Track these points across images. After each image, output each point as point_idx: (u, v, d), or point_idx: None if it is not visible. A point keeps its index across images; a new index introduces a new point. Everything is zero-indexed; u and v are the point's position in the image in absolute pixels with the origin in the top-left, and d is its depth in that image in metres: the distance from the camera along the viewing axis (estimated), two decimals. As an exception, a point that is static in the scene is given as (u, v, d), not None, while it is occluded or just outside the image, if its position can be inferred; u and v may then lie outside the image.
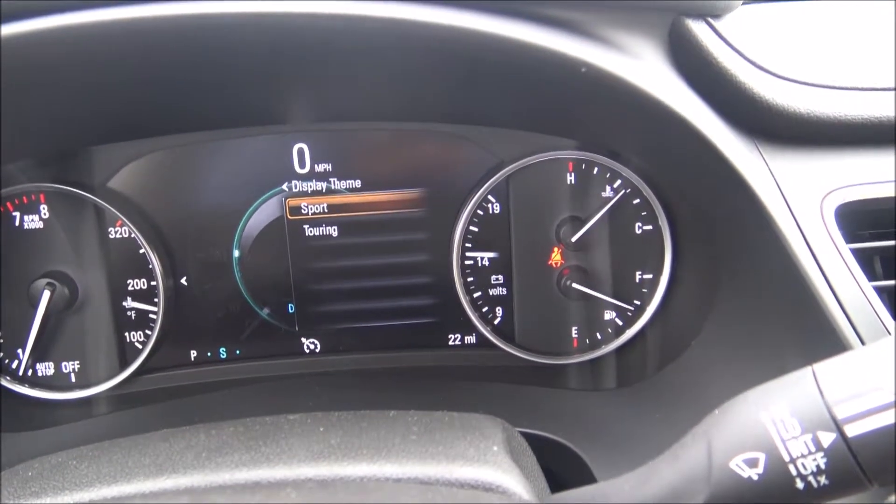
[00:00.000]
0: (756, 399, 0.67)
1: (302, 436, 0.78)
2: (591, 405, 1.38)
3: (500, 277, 1.45)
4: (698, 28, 0.99)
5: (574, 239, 1.39)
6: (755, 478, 0.63)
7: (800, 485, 0.62)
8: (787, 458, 0.63)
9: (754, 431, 0.65)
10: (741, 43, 1.02)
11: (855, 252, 0.98)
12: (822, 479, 0.62)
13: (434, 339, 1.51)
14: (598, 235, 1.41)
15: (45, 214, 1.37)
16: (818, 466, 0.62)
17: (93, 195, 1.36)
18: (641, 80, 0.93)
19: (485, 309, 1.47)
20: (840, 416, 0.62)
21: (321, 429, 0.80)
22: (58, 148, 1.34)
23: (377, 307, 1.48)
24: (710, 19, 1.00)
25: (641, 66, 0.96)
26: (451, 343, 1.51)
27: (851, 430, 0.61)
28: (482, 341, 1.49)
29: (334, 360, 1.51)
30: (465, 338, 1.51)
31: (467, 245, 1.44)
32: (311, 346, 1.51)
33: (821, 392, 0.64)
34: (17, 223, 1.37)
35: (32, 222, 1.37)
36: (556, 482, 1.00)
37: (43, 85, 1.01)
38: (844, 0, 1.25)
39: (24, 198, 1.36)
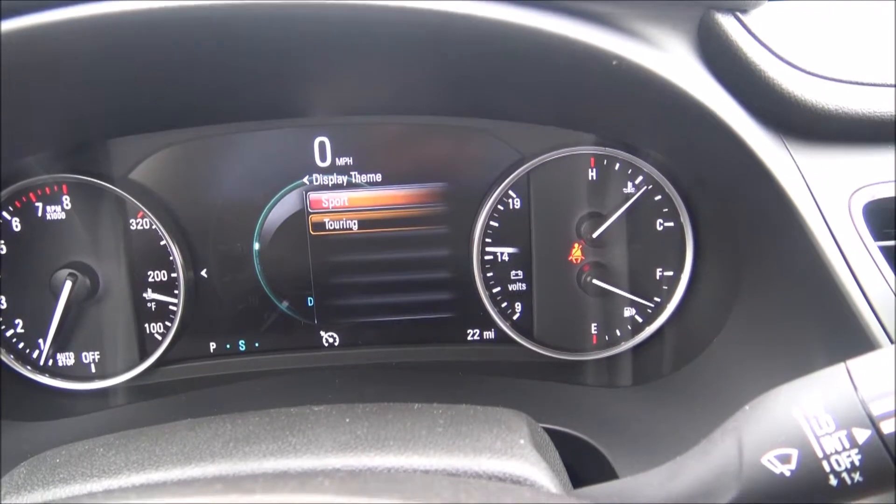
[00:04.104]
0: (788, 394, 0.67)
1: (328, 426, 0.79)
2: (610, 401, 1.38)
3: (520, 273, 1.45)
4: (727, 22, 0.98)
5: (595, 235, 1.39)
6: (787, 474, 0.63)
7: (833, 481, 0.62)
8: (820, 455, 0.62)
9: (787, 427, 0.64)
10: (769, 38, 1.01)
11: (883, 249, 0.98)
12: (857, 476, 0.61)
13: (453, 334, 1.51)
14: (618, 232, 1.40)
15: (67, 205, 1.38)
16: (852, 463, 0.61)
17: (114, 186, 1.36)
18: (671, 74, 0.93)
19: (504, 304, 1.47)
20: (876, 412, 0.61)
21: (347, 420, 0.80)
22: (80, 140, 1.35)
23: (396, 301, 1.48)
24: (738, 14, 0.99)
25: (671, 59, 0.95)
26: (469, 338, 1.51)
27: (887, 427, 0.60)
28: (501, 336, 1.49)
29: (353, 353, 1.51)
30: (484, 333, 1.51)
31: (487, 240, 1.43)
32: (330, 340, 1.51)
33: (855, 388, 0.63)
34: (39, 213, 1.37)
35: (55, 213, 1.38)
36: (574, 477, 0.99)
37: (65, 77, 1.02)
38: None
39: (47, 188, 1.37)
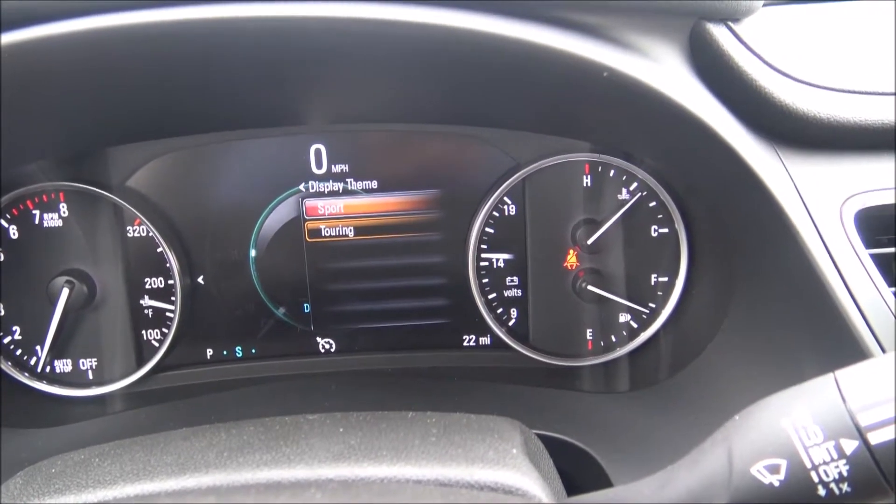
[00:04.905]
0: (777, 405, 0.67)
1: (322, 436, 0.79)
2: (605, 407, 1.38)
3: (516, 279, 1.46)
4: (718, 32, 0.98)
5: (590, 241, 1.39)
6: (776, 484, 0.63)
7: (822, 492, 0.62)
8: (809, 465, 0.62)
9: (776, 437, 0.64)
10: (761, 46, 1.02)
11: (874, 257, 0.98)
12: (845, 487, 0.62)
13: (449, 340, 1.51)
14: (613, 238, 1.41)
15: (64, 213, 1.38)
16: (840, 474, 0.62)
17: (111, 194, 1.37)
18: (662, 85, 0.93)
19: (499, 310, 1.48)
20: (863, 423, 0.62)
21: (340, 429, 0.81)
22: (77, 148, 1.36)
23: (392, 308, 1.49)
24: (730, 23, 1.00)
25: (662, 70, 0.96)
26: (465, 344, 1.51)
27: (875, 438, 0.61)
28: (497, 342, 1.50)
29: (349, 359, 1.51)
30: (480, 339, 1.51)
31: (483, 246, 1.44)
32: (327, 346, 1.51)
33: (843, 399, 0.64)
34: (36, 221, 1.38)
35: (52, 220, 1.38)
36: (570, 484, 1.00)
37: (62, 88, 1.02)
38: (865, 2, 1.24)
39: (44, 196, 1.37)
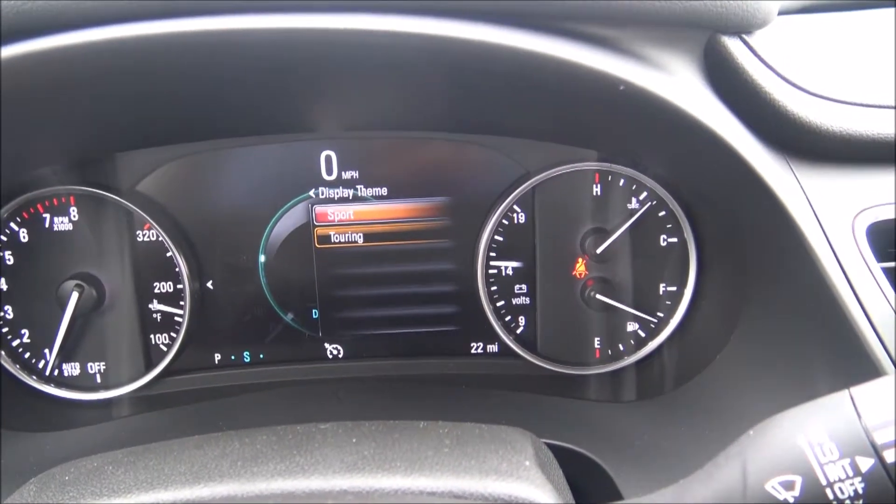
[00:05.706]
0: (792, 421, 0.67)
1: (335, 446, 0.79)
2: (612, 417, 1.38)
3: (524, 287, 1.46)
4: (733, 45, 0.99)
5: (599, 250, 1.39)
6: (791, 500, 0.63)
7: (836, 509, 0.62)
8: (824, 482, 0.62)
9: (791, 454, 0.64)
10: (774, 58, 1.02)
11: (886, 271, 0.98)
12: (860, 504, 0.62)
13: (457, 347, 1.51)
14: (622, 247, 1.41)
15: (74, 216, 1.38)
16: (856, 491, 0.62)
17: (122, 198, 1.37)
18: (677, 98, 0.93)
19: (508, 318, 1.48)
20: (879, 441, 0.62)
21: (353, 439, 0.81)
22: (89, 153, 1.36)
23: (401, 314, 1.49)
24: (743, 36, 1.00)
25: (677, 83, 0.96)
26: (473, 351, 1.52)
27: (890, 456, 0.61)
28: (504, 350, 1.50)
29: (357, 366, 1.52)
30: (488, 346, 1.51)
31: (492, 254, 1.44)
32: (335, 352, 1.51)
33: (859, 416, 0.64)
34: (46, 224, 1.38)
35: (62, 224, 1.39)
36: (577, 492, 1.00)
37: (75, 95, 1.03)
38: (879, 11, 1.24)
39: (55, 200, 1.38)
